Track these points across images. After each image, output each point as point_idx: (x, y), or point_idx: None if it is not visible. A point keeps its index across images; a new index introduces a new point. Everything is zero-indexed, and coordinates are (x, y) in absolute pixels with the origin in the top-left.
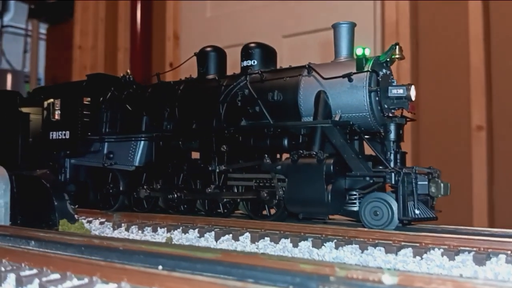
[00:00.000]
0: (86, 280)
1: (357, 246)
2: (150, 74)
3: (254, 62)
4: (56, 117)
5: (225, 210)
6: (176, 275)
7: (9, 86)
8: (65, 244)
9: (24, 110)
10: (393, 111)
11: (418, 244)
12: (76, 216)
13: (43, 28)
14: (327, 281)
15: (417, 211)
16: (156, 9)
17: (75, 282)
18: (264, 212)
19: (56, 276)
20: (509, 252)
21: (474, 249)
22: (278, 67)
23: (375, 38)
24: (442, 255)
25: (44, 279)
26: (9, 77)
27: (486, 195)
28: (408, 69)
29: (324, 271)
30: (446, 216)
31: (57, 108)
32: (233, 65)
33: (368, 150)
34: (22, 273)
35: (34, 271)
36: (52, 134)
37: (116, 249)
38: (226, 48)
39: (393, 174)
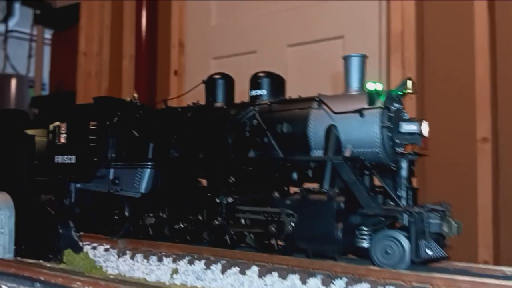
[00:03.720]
0: None
1: (368, 286)
2: (155, 81)
3: (263, 92)
4: (62, 140)
5: (232, 240)
6: None
7: (13, 90)
8: None
9: (30, 132)
10: (404, 146)
11: (429, 286)
12: (80, 243)
13: (48, 34)
14: None
15: (429, 251)
16: (161, 17)
17: None
18: (272, 242)
19: None
20: None
21: None
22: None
23: (381, 49)
24: None
25: None
26: (13, 82)
27: (491, 207)
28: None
29: None
30: None
31: (63, 132)
32: (237, 75)
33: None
34: None
35: None
36: (58, 158)
37: None
38: (231, 57)
39: (405, 215)
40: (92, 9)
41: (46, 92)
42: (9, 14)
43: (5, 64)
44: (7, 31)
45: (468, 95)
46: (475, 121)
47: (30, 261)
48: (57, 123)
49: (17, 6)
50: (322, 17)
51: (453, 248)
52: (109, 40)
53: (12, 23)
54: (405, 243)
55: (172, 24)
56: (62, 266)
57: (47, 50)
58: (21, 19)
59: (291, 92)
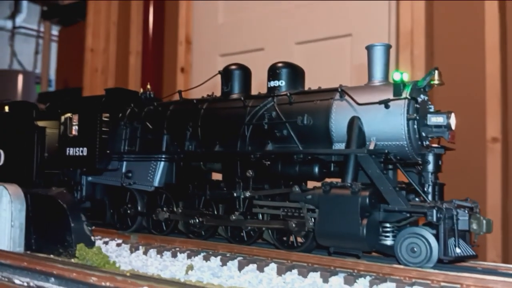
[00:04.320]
0: None
1: (393, 284)
2: (162, 79)
3: (281, 83)
4: (74, 132)
5: (249, 236)
6: None
7: (20, 86)
8: (87, 284)
9: (40, 123)
10: (429, 139)
11: (458, 286)
12: (92, 238)
13: (55, 30)
14: None
15: (458, 250)
16: (168, 13)
17: None
18: (291, 239)
19: None
20: None
21: None
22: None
23: None
24: None
25: None
26: (20, 78)
27: (501, 207)
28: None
29: None
30: None
31: (74, 124)
32: None
33: (400, 178)
34: None
35: None
36: (69, 150)
37: None
38: (238, 54)
39: (434, 211)
40: (99, 5)
41: (52, 88)
42: (16, 10)
43: (12, 60)
44: (14, 28)
45: (478, 95)
46: (485, 121)
47: (41, 255)
48: (69, 114)
49: (24, 2)
50: (330, 15)
51: None
52: (116, 37)
53: (19, 20)
54: (432, 240)
55: (179, 21)
56: (74, 260)
57: (54, 47)
58: (28, 15)
59: None
